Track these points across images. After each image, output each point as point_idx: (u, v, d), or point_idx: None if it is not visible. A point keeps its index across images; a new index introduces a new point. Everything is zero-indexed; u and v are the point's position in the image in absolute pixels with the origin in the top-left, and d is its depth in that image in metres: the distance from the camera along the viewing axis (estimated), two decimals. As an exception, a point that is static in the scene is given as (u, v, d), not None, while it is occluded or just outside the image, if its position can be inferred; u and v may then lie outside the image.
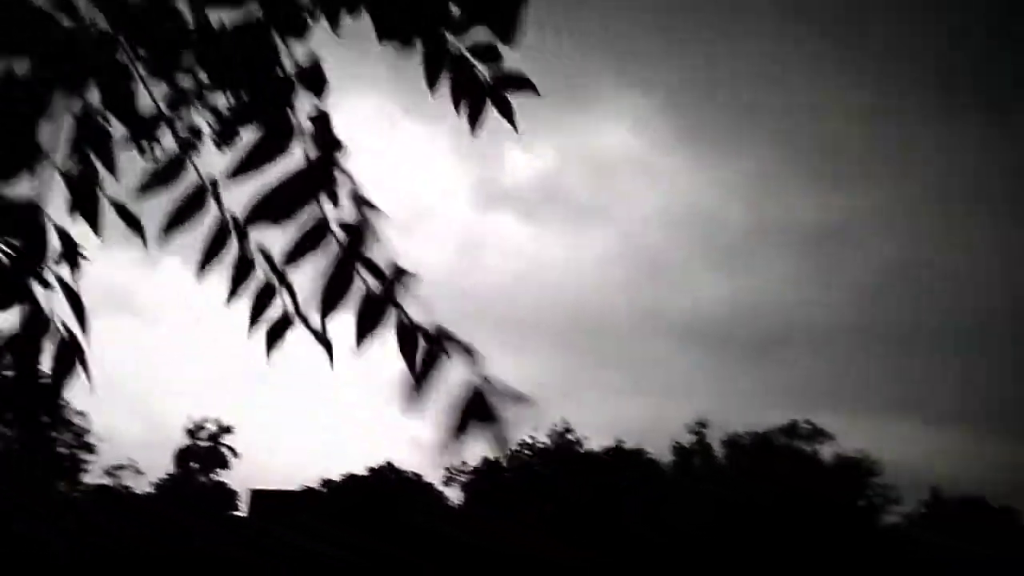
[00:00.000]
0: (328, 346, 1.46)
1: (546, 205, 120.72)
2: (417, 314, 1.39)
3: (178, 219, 1.41)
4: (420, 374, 1.35)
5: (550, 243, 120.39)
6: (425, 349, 1.36)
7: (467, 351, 1.36)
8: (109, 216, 1.47)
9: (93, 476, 42.19)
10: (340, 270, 1.40)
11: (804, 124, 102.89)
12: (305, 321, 1.46)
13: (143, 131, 1.44)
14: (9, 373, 1.51)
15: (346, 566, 29.27)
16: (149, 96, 1.44)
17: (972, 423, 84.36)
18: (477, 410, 1.32)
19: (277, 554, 31.14)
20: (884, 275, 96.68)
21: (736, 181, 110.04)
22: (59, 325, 1.42)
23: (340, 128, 1.43)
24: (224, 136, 1.43)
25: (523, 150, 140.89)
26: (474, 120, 1.62)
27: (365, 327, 1.39)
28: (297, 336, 1.48)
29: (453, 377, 1.36)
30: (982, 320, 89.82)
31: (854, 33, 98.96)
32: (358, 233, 1.41)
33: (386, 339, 1.38)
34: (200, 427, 48.20)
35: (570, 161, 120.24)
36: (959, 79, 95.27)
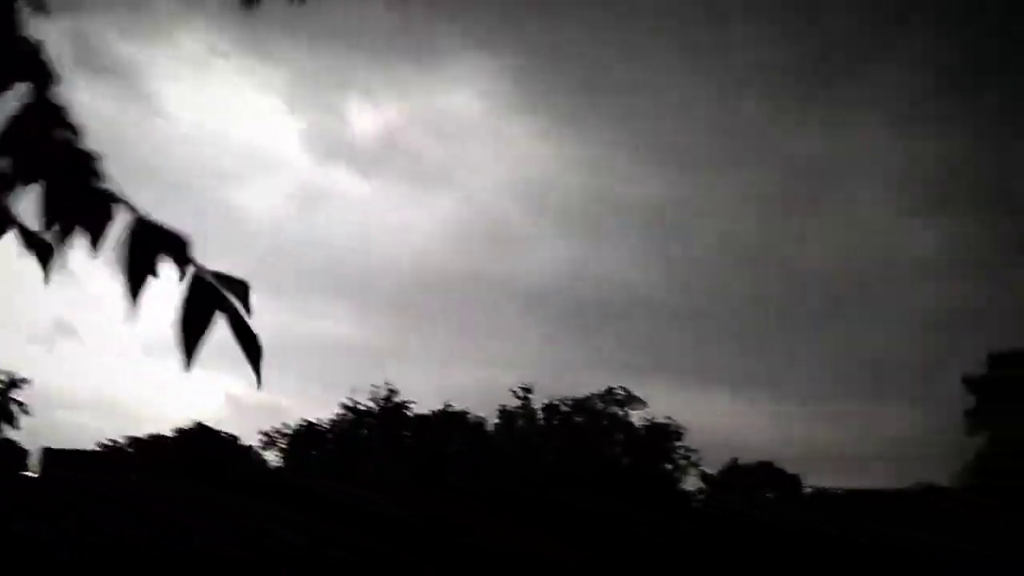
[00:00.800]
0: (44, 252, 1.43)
1: (389, 163, 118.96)
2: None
3: None
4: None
5: (391, 202, 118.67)
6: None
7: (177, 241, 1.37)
8: None
9: None
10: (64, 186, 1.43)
11: (651, 102, 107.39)
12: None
13: None
14: None
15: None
16: None
17: (776, 395, 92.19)
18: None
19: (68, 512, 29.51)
20: (714, 252, 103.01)
21: (581, 153, 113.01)
22: None
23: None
24: None
25: (367, 104, 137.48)
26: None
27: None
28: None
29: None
30: (795, 300, 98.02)
31: (705, 17, 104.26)
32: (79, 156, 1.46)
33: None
34: (-13, 380, 43.99)
35: (416, 120, 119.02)
36: (806, 66, 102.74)
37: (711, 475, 47.16)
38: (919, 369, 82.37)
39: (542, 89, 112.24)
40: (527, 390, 45.48)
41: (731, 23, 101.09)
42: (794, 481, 48.52)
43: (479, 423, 45.95)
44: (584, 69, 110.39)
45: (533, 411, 45.74)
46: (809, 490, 48.53)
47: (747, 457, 49.26)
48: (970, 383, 42.58)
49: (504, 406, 45.25)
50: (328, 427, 46.35)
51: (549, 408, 45.00)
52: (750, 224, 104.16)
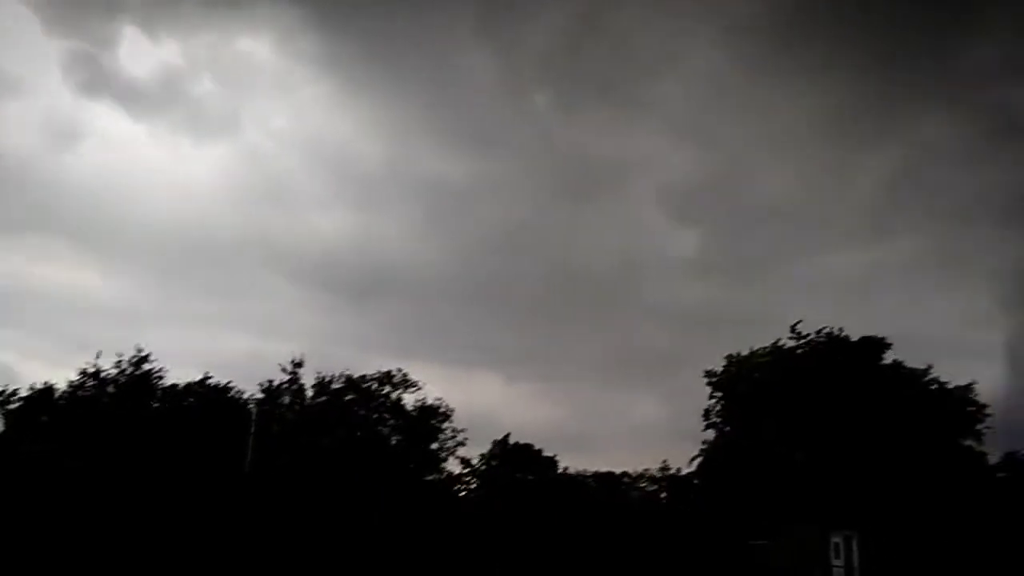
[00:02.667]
0: None
1: (164, 106, 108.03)
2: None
3: None
4: None
5: (162, 148, 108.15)
6: None
7: None
8: None
9: None
10: None
11: (452, 83, 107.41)
12: None
13: None
14: None
15: None
16: None
17: (541, 380, 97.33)
18: None
19: None
20: (495, 237, 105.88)
21: (379, 122, 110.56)
22: None
23: None
24: None
25: (144, 37, 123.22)
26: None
27: None
28: None
29: None
30: (566, 289, 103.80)
31: (506, 4, 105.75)
32: None
33: None
34: None
35: (201, 63, 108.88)
36: (598, 66, 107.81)
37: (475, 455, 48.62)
38: (671, 361, 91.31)
39: (347, 50, 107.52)
40: (297, 364, 43.56)
41: (528, 18, 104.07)
42: (550, 462, 51.46)
43: (238, 398, 43.21)
44: (392, 39, 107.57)
45: (302, 387, 43.91)
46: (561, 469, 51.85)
47: (512, 438, 51.50)
48: (709, 378, 47.85)
49: (270, 381, 42.98)
50: (64, 392, 41.06)
51: (319, 385, 43.45)
52: (532, 212, 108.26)
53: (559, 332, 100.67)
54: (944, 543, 32.77)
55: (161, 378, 42.58)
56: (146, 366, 42.01)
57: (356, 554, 27.86)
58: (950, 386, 43.48)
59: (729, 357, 48.38)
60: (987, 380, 77.89)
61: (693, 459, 48.55)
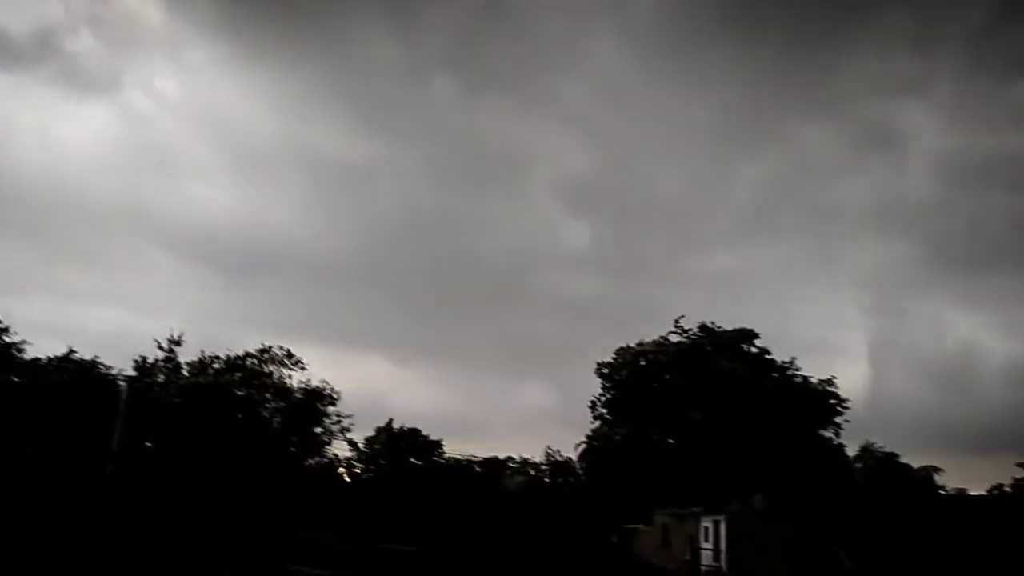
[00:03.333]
0: None
1: (38, 60, 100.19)
2: None
3: None
4: None
5: (34, 105, 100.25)
6: None
7: None
8: None
9: None
10: None
11: (357, 64, 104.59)
12: None
13: None
14: None
15: None
16: None
17: (432, 366, 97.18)
18: None
19: None
20: (392, 220, 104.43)
21: (276, 95, 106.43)
22: None
23: None
24: None
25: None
26: None
27: None
28: None
29: None
30: (462, 276, 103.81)
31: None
32: None
33: None
34: None
35: (81, 16, 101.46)
36: (502, 52, 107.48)
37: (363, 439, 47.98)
38: (562, 351, 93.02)
39: (244, 17, 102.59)
40: (175, 342, 41.54)
41: (434, 2, 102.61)
42: (435, 446, 51.46)
43: (106, 375, 40.75)
44: (293, 10, 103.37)
45: (179, 365, 41.94)
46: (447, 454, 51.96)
47: (399, 422, 51.19)
48: (600, 369, 49.24)
49: (143, 358, 40.78)
50: None
51: (198, 364, 41.64)
52: (429, 198, 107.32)
53: (452, 318, 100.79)
54: (807, 526, 34.90)
55: (22, 351, 39.64)
56: (5, 338, 38.98)
57: (230, 538, 26.92)
58: (812, 380, 46.53)
59: (618, 352, 50.01)
60: (850, 378, 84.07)
61: (578, 446, 49.95)
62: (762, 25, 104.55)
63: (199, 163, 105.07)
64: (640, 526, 41.48)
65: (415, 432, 49.83)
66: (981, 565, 34.16)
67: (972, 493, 49.17)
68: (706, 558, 35.00)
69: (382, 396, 78.59)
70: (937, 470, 52.00)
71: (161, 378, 41.35)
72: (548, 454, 53.90)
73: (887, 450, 47.68)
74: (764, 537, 33.26)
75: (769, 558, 31.43)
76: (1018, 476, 44.53)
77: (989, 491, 47.99)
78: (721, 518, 35.04)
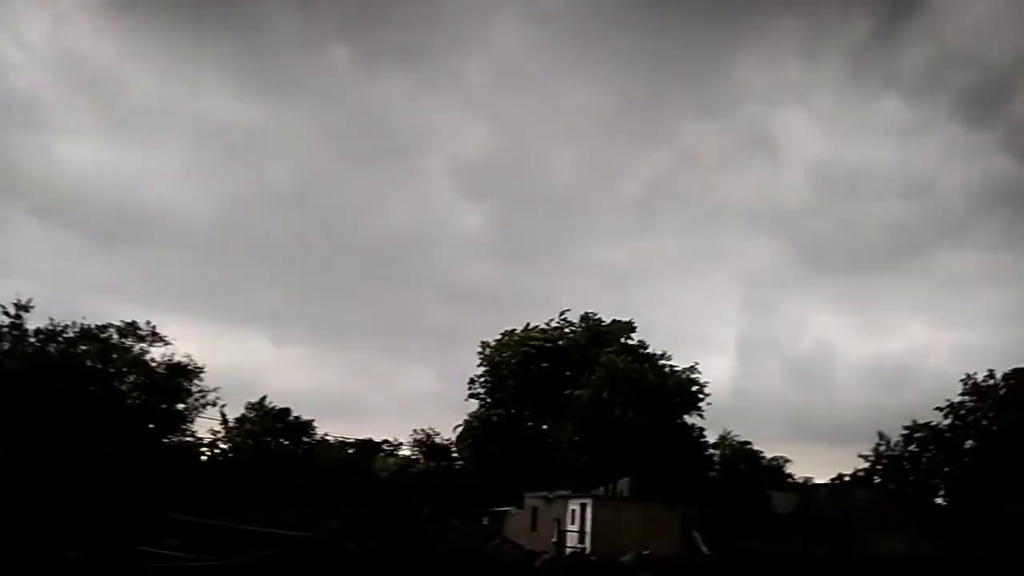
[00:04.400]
0: None
1: None
2: None
3: None
4: None
5: None
6: None
7: None
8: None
9: None
10: None
11: (243, 22, 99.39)
12: None
13: None
14: None
15: None
16: None
17: (313, 344, 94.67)
18: None
19: None
20: (274, 191, 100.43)
21: (150, 48, 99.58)
22: None
23: None
24: None
25: None
26: None
27: None
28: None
29: None
30: (348, 253, 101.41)
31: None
32: None
33: None
34: None
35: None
36: (389, 28, 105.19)
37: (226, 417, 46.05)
38: (450, 335, 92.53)
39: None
40: (22, 307, 38.27)
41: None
42: (308, 426, 50.13)
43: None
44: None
45: (25, 333, 38.71)
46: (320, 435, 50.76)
47: (272, 401, 49.40)
48: (483, 349, 49.62)
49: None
50: None
51: (48, 332, 38.56)
52: (319, 170, 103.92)
53: (337, 297, 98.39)
54: (669, 508, 36.44)
55: None
56: None
57: (82, 517, 25.16)
58: (679, 368, 48.67)
59: (503, 334, 50.44)
60: (720, 370, 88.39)
61: (456, 428, 50.04)
62: (663, 21, 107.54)
63: (65, 118, 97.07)
64: (512, 509, 42.06)
65: (286, 412, 48.34)
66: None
67: (817, 481, 52.96)
68: (573, 540, 35.89)
69: (258, 375, 75.89)
70: (787, 460, 55.74)
71: (6, 346, 38.10)
72: (427, 435, 53.70)
73: (743, 439, 50.48)
74: (628, 519, 34.48)
75: (632, 539, 32.57)
76: (860, 467, 48.28)
77: (832, 480, 51.74)
78: (588, 500, 36.04)
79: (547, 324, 50.84)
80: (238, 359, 78.15)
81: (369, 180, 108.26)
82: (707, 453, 49.40)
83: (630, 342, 51.09)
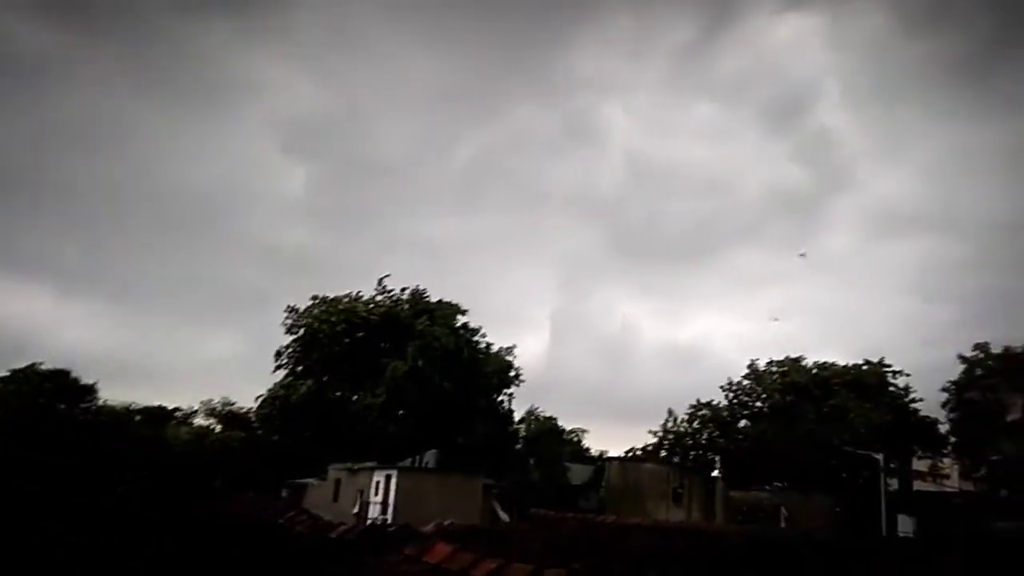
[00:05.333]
0: None
1: None
2: None
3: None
4: None
5: None
6: None
7: None
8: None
9: None
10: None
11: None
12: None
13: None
14: None
15: None
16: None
17: (105, 301, 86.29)
18: None
19: None
20: (69, 127, 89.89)
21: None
22: None
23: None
24: None
25: None
26: None
27: None
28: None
29: None
30: (151, 209, 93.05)
31: None
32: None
33: None
34: None
35: None
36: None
37: None
38: (261, 299, 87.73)
39: None
40: None
41: None
42: (89, 390, 45.80)
43: None
44: None
45: None
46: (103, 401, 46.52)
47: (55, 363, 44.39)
48: (290, 315, 47.61)
49: None
50: None
51: None
52: (125, 107, 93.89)
53: (135, 251, 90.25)
54: (474, 479, 37.10)
55: None
56: None
57: None
58: (495, 348, 49.59)
59: (314, 298, 48.38)
60: (534, 347, 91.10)
61: (259, 398, 47.66)
62: (506, 1, 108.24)
63: None
64: (313, 480, 40.93)
65: (63, 374, 43.63)
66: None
67: (612, 455, 56.42)
68: (376, 512, 35.56)
69: (39, 330, 67.85)
70: (585, 431, 58.99)
71: None
72: (222, 404, 50.80)
73: (549, 415, 52.59)
74: (432, 490, 34.71)
75: (436, 510, 32.82)
76: (650, 441, 52.01)
77: (625, 453, 55.38)
78: (393, 472, 35.84)
79: (373, 294, 49.50)
80: (17, 312, 69.77)
81: (180, 127, 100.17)
82: (514, 428, 50.88)
83: (456, 322, 50.92)
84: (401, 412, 44.88)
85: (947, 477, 48.90)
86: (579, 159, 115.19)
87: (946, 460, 47.27)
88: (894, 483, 45.82)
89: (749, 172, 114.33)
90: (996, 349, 41.43)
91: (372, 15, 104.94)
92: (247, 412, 50.65)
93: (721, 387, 50.39)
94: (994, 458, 37.46)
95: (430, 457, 40.02)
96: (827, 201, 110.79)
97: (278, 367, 46.63)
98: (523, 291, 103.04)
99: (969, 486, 47.07)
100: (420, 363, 44.64)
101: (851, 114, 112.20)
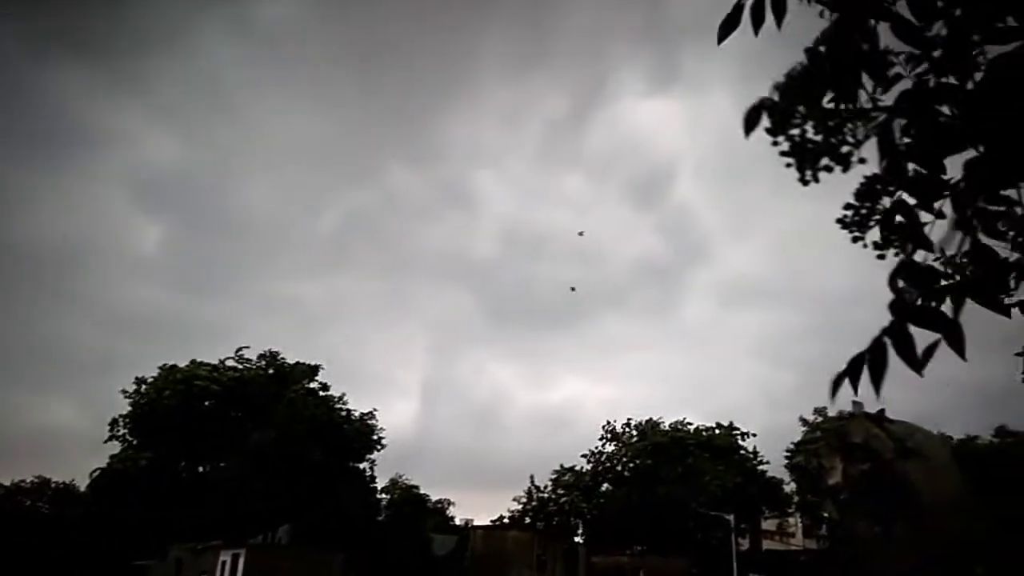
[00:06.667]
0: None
1: None
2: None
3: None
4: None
5: None
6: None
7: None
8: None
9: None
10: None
11: None
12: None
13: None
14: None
15: None
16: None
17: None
18: None
19: None
20: None
21: None
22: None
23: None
24: None
25: None
26: None
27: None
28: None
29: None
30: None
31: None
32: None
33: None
34: None
35: None
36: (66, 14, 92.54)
37: None
38: (104, 364, 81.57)
39: None
40: None
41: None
42: None
43: None
44: None
45: None
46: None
47: None
48: (138, 385, 44.60)
49: None
50: None
51: None
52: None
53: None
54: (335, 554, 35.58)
55: None
56: None
57: None
58: (356, 414, 48.36)
59: (162, 367, 45.89)
60: (403, 413, 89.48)
61: (93, 473, 44.02)
62: (381, 64, 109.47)
63: None
64: (152, 562, 37.96)
65: None
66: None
67: (477, 523, 55.71)
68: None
69: None
70: (451, 503, 58.11)
71: None
72: (43, 480, 46.58)
73: (413, 482, 51.54)
74: (285, 568, 33.00)
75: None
76: (512, 508, 51.87)
77: (493, 522, 54.78)
78: (241, 551, 33.84)
79: (219, 361, 47.25)
80: None
81: (24, 175, 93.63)
82: (376, 497, 49.47)
83: (312, 384, 49.34)
84: (260, 482, 42.64)
85: (793, 535, 51.43)
86: (451, 224, 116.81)
87: (791, 519, 49.76)
88: (745, 542, 47.79)
89: (615, 243, 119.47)
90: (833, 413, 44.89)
91: (244, 72, 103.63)
92: (76, 487, 46.68)
93: (583, 455, 51.28)
94: (825, 518, 39.96)
95: (283, 533, 38.09)
96: (686, 272, 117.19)
97: (111, 437, 43.58)
98: (393, 355, 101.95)
99: (814, 544, 49.75)
100: (288, 431, 42.99)
101: (706, 192, 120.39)
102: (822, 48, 1.81)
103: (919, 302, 1.80)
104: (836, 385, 1.96)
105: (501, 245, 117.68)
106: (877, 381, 1.88)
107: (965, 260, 1.93)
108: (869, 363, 1.87)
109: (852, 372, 1.91)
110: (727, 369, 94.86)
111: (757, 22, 2.02)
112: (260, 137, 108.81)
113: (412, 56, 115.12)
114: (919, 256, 1.85)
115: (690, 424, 51.17)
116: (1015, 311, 2.05)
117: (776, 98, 1.96)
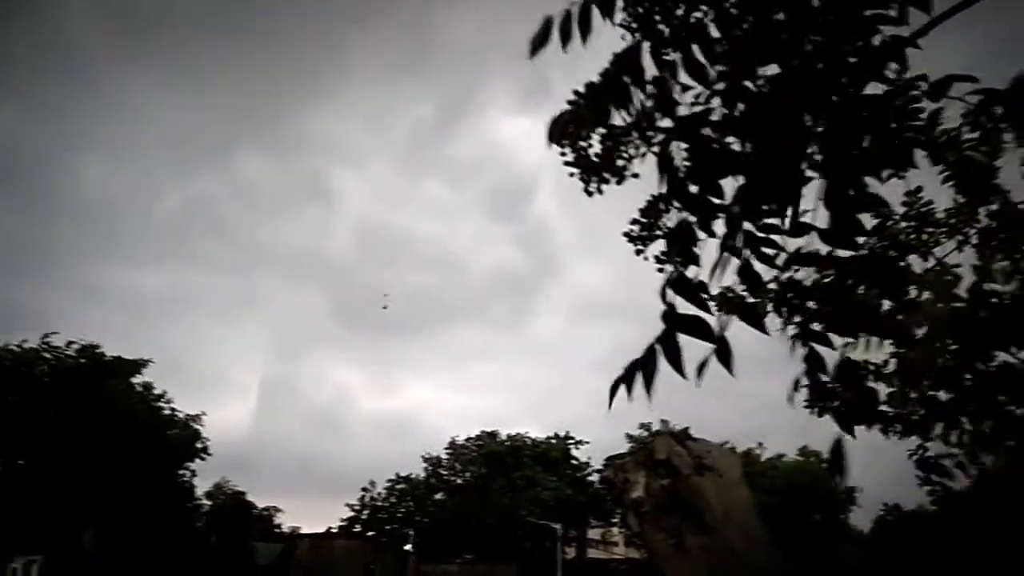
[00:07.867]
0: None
1: None
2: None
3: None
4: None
5: None
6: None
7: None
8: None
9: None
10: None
11: None
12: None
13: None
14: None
15: None
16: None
17: None
18: None
19: None
20: None
21: None
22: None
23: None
24: None
25: None
26: None
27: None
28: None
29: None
30: None
31: None
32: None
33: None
34: None
35: None
36: None
37: None
38: None
39: None
40: None
41: None
42: None
43: None
44: None
45: None
46: None
47: None
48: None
49: None
50: None
51: None
52: None
53: None
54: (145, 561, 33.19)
55: None
56: None
57: None
58: (181, 415, 45.27)
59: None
60: (238, 414, 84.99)
61: None
62: (245, 47, 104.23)
63: None
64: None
65: None
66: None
67: (305, 531, 53.92)
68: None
69: None
70: (278, 510, 55.84)
71: None
72: None
73: (240, 488, 49.13)
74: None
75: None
76: (345, 516, 50.64)
77: (326, 531, 53.07)
78: (37, 558, 30.82)
79: (17, 346, 42.35)
80: None
81: None
82: (196, 502, 46.67)
83: (135, 380, 45.41)
84: (65, 482, 38.93)
85: (616, 544, 53.64)
86: (306, 220, 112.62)
87: (614, 529, 51.85)
88: (572, 551, 49.36)
89: (474, 252, 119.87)
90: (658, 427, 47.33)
91: (91, 39, 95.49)
92: None
93: (422, 457, 51.14)
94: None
95: (88, 538, 35.10)
96: (540, 285, 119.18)
97: None
98: (233, 354, 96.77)
99: (635, 553, 52.11)
100: (101, 428, 39.51)
101: (561, 209, 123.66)
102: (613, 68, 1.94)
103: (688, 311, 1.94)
104: (614, 390, 2.06)
105: (357, 246, 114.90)
106: (648, 386, 2.00)
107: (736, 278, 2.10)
108: (642, 369, 1.99)
109: (627, 378, 2.02)
110: (571, 382, 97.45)
111: (565, 38, 2.12)
112: (104, 111, 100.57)
113: (280, 42, 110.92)
114: (691, 272, 1.99)
115: (528, 436, 52.31)
116: (775, 332, 2.25)
117: (578, 107, 2.06)
